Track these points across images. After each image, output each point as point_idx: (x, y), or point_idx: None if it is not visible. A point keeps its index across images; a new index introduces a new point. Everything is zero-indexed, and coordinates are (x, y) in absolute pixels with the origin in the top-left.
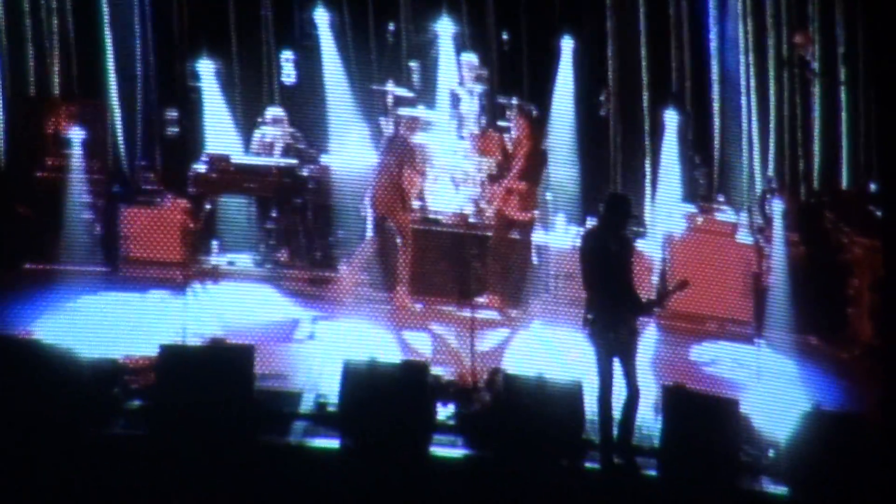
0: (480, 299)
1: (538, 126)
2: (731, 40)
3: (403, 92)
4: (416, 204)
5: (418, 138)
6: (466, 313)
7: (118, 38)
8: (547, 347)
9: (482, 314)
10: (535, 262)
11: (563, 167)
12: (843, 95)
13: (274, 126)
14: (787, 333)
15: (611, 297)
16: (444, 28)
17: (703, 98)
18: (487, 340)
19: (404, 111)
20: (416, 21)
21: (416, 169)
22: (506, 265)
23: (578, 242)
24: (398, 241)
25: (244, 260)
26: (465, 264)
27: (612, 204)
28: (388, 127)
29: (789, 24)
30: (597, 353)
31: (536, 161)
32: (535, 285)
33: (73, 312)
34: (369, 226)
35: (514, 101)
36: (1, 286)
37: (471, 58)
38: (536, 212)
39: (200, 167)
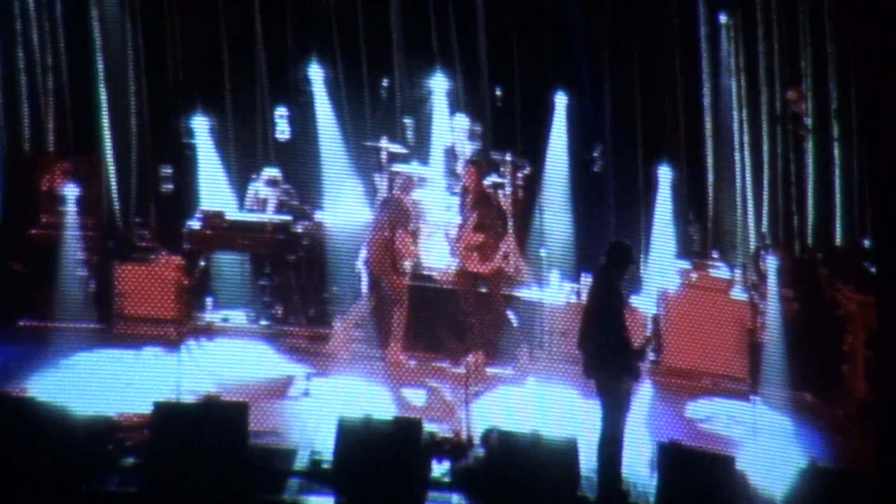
0: (468, 358)
1: (485, 174)
2: (725, 96)
3: (397, 148)
4: (407, 264)
5: (412, 196)
6: (461, 370)
7: (113, 95)
8: (542, 404)
9: (476, 370)
10: (524, 317)
11: (556, 223)
12: (836, 151)
13: (270, 186)
14: (781, 390)
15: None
16: (438, 84)
17: (696, 154)
18: (482, 397)
19: (398, 167)
20: (411, 77)
21: (409, 230)
22: (482, 321)
23: (573, 299)
24: (393, 299)
25: (238, 316)
26: (458, 320)
27: (612, 251)
28: (382, 183)
29: (782, 81)
30: (610, 403)
31: (488, 209)
32: (528, 342)
33: (67, 369)
34: (364, 285)
35: (508, 156)
36: None
37: (464, 118)
38: (506, 262)
39: (195, 223)
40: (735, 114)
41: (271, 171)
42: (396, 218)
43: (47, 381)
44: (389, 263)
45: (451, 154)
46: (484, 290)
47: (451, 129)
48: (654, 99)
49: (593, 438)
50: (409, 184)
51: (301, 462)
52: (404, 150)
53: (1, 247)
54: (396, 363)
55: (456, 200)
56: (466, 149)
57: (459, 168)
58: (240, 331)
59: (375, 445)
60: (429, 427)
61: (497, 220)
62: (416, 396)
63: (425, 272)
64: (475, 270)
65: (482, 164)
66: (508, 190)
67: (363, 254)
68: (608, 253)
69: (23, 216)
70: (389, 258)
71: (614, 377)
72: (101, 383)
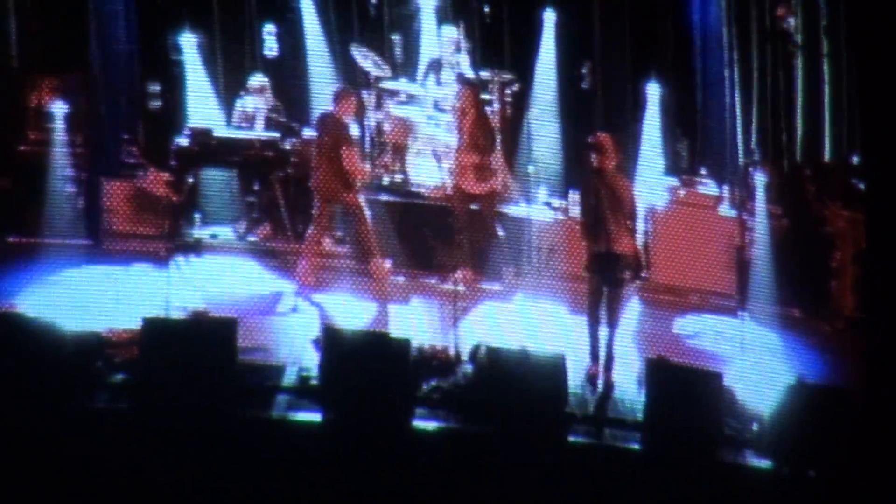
0: (456, 275)
1: (481, 95)
2: (714, 12)
3: (375, 69)
4: (398, 177)
5: (396, 111)
6: (449, 286)
7: (101, 12)
8: (530, 321)
9: (464, 287)
10: (513, 234)
11: (545, 140)
12: (825, 68)
13: (257, 94)
14: (770, 306)
15: None
16: (427, 0)
17: (685, 71)
18: (470, 313)
19: (385, 84)
20: None
21: (354, 145)
22: (472, 240)
23: (560, 216)
24: (351, 219)
25: (226, 233)
26: (447, 237)
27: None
28: (370, 100)
29: None
30: None
31: (484, 131)
32: (517, 258)
33: (55, 286)
34: (314, 208)
35: (496, 74)
36: None
37: (452, 29)
38: (496, 181)
39: (183, 140)
40: (724, 30)
41: (259, 79)
42: (337, 136)
43: (36, 298)
44: (340, 183)
45: (438, 67)
46: (476, 208)
47: (439, 43)
48: (643, 16)
49: (581, 355)
50: (347, 97)
51: (289, 378)
52: (386, 73)
53: None
54: (381, 277)
55: (444, 117)
56: (455, 63)
57: (447, 84)
58: (228, 247)
59: (363, 362)
60: (417, 343)
61: (491, 140)
62: (403, 313)
63: (413, 189)
64: (470, 190)
65: (478, 85)
66: (496, 107)
67: (312, 177)
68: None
69: (10, 133)
70: (339, 178)
71: None
72: (90, 299)
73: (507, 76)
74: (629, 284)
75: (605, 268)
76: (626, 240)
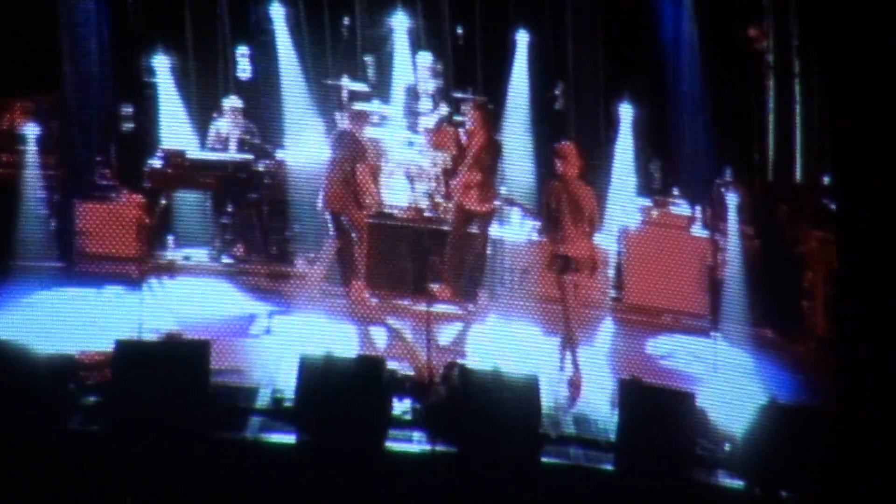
0: (433, 286)
1: (492, 118)
2: (687, 33)
3: (358, 86)
4: (368, 199)
5: (369, 132)
6: (422, 307)
7: (73, 34)
8: (503, 341)
9: (438, 308)
10: (490, 255)
11: (518, 161)
12: (797, 88)
13: (231, 116)
14: (742, 326)
15: None
16: (400, 22)
17: (657, 91)
18: (444, 334)
19: (358, 106)
20: (371, 15)
21: (369, 163)
22: (462, 258)
23: (534, 237)
24: (353, 236)
25: (200, 255)
26: (420, 258)
27: None
28: (343, 122)
29: (744, 17)
30: None
31: (491, 152)
32: (490, 279)
33: (28, 308)
34: (330, 224)
35: (469, 95)
36: None
37: (425, 55)
38: (497, 202)
39: (156, 162)
40: (697, 50)
41: (232, 101)
42: (353, 153)
43: (8, 320)
44: (351, 199)
45: (412, 92)
46: (473, 228)
47: (412, 67)
48: (616, 37)
49: (554, 375)
50: (362, 118)
51: (262, 400)
52: (365, 89)
53: None
54: (359, 300)
55: (418, 138)
56: (428, 87)
57: (425, 106)
58: (201, 269)
59: (337, 383)
60: (391, 365)
61: (496, 160)
62: (377, 334)
63: (386, 210)
64: (472, 209)
65: (486, 106)
66: (469, 127)
67: (322, 191)
68: None
69: None
70: (351, 194)
71: None
72: (63, 322)
73: (480, 97)
74: (586, 285)
75: (562, 269)
76: (582, 243)
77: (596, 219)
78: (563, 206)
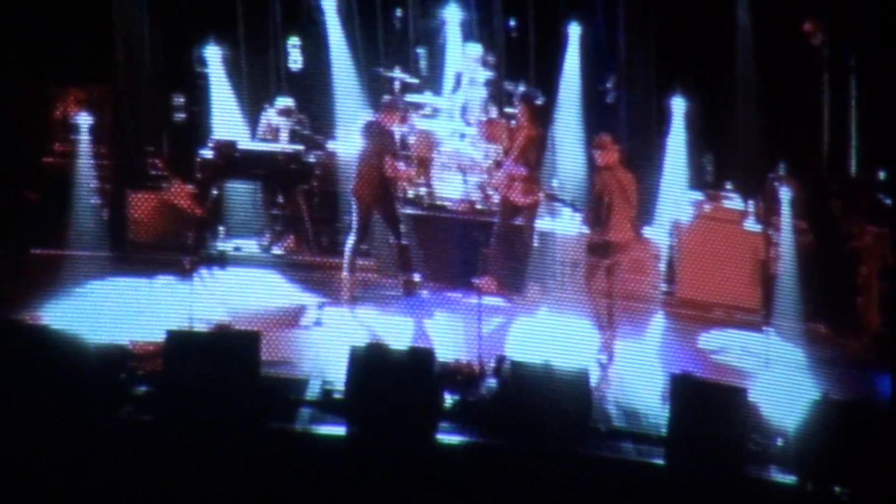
0: (478, 280)
1: (539, 111)
2: (741, 26)
3: (409, 78)
4: (422, 191)
5: (419, 124)
6: (473, 300)
7: (126, 24)
8: (553, 334)
9: (489, 301)
10: (538, 248)
11: (570, 154)
12: (852, 82)
13: (282, 117)
14: (795, 321)
15: None
16: (452, 14)
17: (711, 85)
18: (494, 327)
19: (410, 97)
20: (424, 7)
21: (398, 155)
22: (508, 251)
23: (584, 230)
24: (391, 228)
25: (250, 245)
26: (472, 251)
27: None
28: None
29: (799, 10)
30: None
31: (535, 146)
32: (541, 272)
33: (80, 298)
34: (354, 217)
35: (520, 88)
36: (9, 271)
37: (477, 47)
38: (540, 195)
39: (207, 153)
40: (751, 44)
41: (285, 101)
42: (381, 144)
43: (61, 310)
44: (381, 192)
45: (464, 84)
46: (519, 221)
47: (464, 59)
48: (669, 30)
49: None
50: (393, 108)
51: (312, 391)
52: (416, 81)
53: (15, 175)
54: (410, 290)
55: (471, 130)
56: (480, 79)
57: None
58: (252, 260)
59: (387, 375)
60: (441, 357)
61: (541, 154)
62: (428, 326)
63: (438, 202)
64: (517, 202)
65: (534, 99)
66: (518, 121)
67: (351, 185)
68: None
69: (36, 145)
70: (381, 187)
71: None
72: (114, 311)
73: (529, 90)
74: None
75: (602, 254)
76: (626, 228)
77: (638, 204)
78: (611, 194)
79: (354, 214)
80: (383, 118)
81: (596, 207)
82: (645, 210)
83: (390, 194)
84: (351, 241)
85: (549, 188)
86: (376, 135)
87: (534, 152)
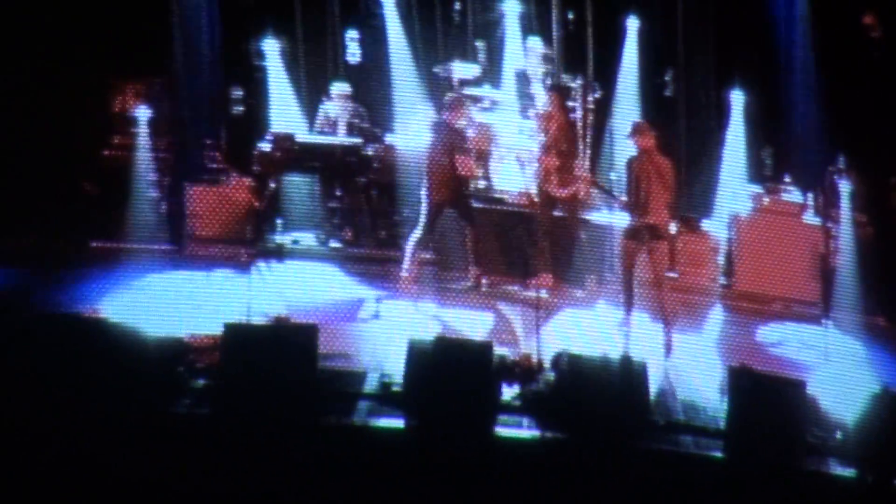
0: (533, 281)
1: (568, 101)
2: (800, 19)
3: (468, 69)
4: (481, 184)
5: (478, 117)
6: (531, 293)
7: (184, 18)
8: (611, 328)
9: (546, 294)
10: (595, 241)
11: (628, 147)
12: None
13: (340, 101)
14: (854, 314)
15: None
16: (511, 7)
17: (769, 78)
18: (552, 320)
19: (469, 91)
20: (483, 0)
21: (468, 152)
22: (555, 244)
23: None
24: (463, 224)
25: (308, 238)
26: (530, 244)
27: None
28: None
29: (861, 3)
30: None
31: (567, 136)
32: (599, 266)
33: (138, 291)
34: (422, 216)
35: (579, 81)
36: (68, 264)
37: (536, 40)
38: (581, 186)
39: (265, 146)
40: (809, 37)
41: (341, 86)
42: (451, 141)
43: (119, 303)
44: (455, 190)
45: (523, 77)
46: (560, 213)
47: (523, 53)
48: (727, 23)
49: (662, 362)
50: (459, 105)
51: (370, 385)
52: (476, 72)
53: (74, 168)
54: (478, 283)
55: (529, 124)
56: (538, 72)
57: (536, 91)
58: (310, 253)
59: (446, 368)
60: (499, 350)
61: (574, 145)
62: (486, 319)
63: (496, 195)
64: (554, 194)
65: (564, 90)
66: (579, 114)
67: (424, 183)
68: None
69: (95, 138)
70: (454, 185)
71: None
72: (173, 305)
73: (591, 83)
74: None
75: (640, 237)
76: (664, 211)
77: (675, 188)
78: (648, 179)
79: (424, 211)
80: (450, 117)
81: (634, 192)
82: (704, 203)
83: (464, 191)
84: (416, 235)
85: (600, 180)
86: (446, 134)
87: (566, 143)
